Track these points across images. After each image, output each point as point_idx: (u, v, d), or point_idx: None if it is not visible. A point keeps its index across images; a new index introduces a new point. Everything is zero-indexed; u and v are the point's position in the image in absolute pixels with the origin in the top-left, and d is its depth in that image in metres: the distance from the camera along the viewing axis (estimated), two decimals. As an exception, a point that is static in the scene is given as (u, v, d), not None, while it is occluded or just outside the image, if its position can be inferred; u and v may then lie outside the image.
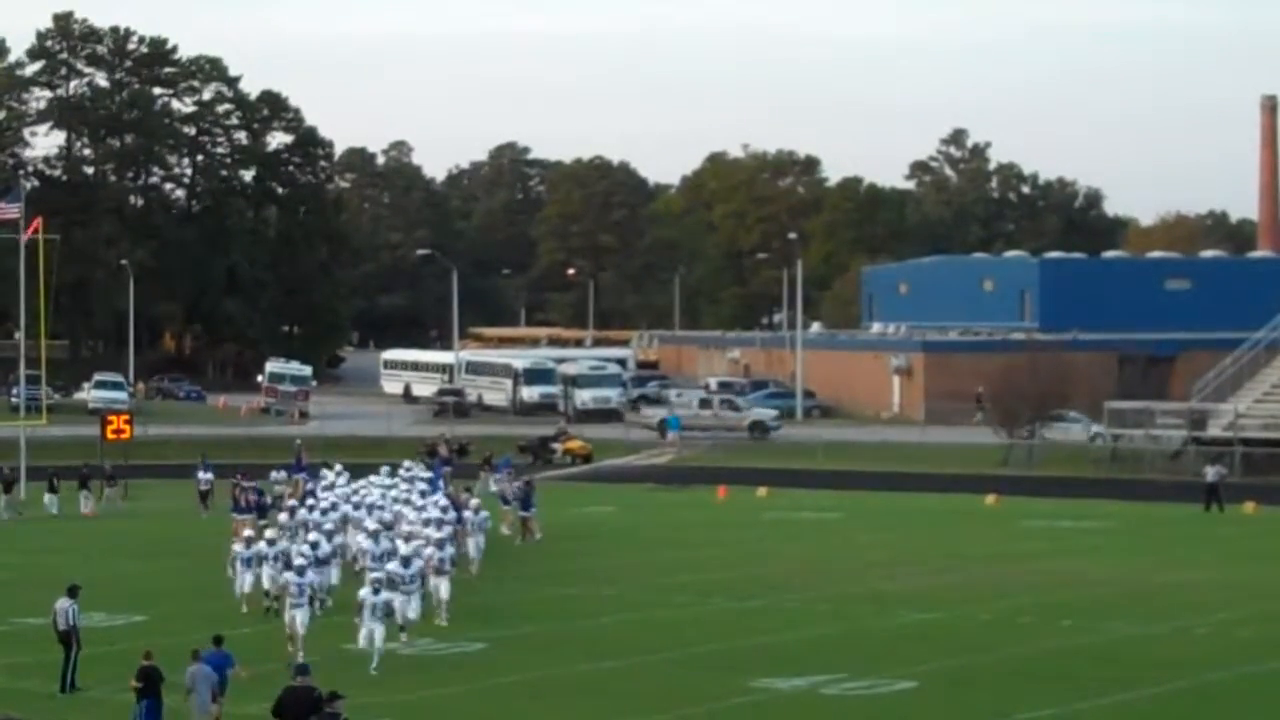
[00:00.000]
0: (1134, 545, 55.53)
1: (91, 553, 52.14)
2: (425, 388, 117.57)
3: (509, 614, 40.95)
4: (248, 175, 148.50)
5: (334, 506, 48.18)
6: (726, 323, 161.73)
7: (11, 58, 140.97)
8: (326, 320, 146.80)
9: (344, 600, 38.31)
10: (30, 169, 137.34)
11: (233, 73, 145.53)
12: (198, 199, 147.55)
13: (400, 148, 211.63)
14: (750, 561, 50.83)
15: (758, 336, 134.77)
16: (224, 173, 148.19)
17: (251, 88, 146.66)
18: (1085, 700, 31.84)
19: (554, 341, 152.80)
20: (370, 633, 33.77)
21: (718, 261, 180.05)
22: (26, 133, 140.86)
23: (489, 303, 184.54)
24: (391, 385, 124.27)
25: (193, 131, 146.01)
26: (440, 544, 40.39)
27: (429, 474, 58.54)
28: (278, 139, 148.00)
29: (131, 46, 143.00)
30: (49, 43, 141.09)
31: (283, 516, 46.95)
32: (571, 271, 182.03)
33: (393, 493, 51.53)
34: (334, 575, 41.72)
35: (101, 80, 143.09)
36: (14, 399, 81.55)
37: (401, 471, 56.63)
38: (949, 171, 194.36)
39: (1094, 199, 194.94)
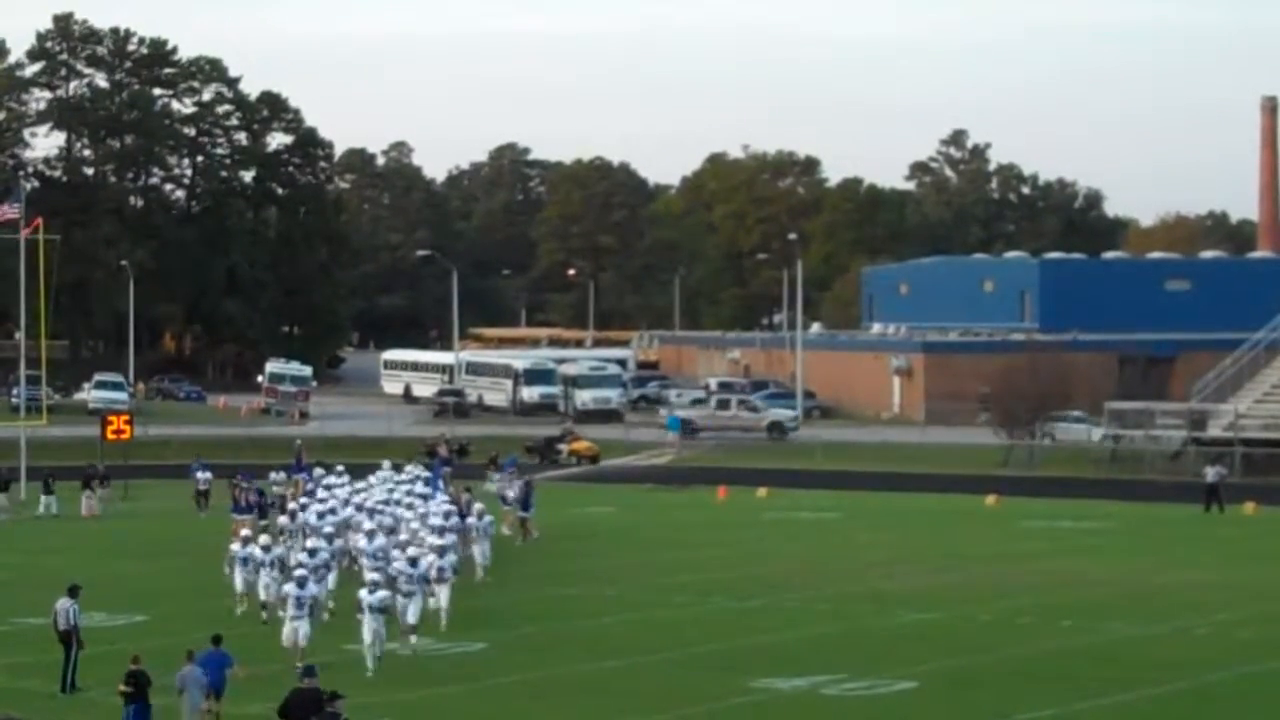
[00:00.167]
0: (1134, 546, 55.52)
1: (92, 553, 52.14)
2: (425, 388, 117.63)
3: (509, 614, 40.92)
4: (248, 176, 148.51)
5: (333, 510, 47.86)
6: (726, 323, 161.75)
7: (11, 59, 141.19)
8: (326, 321, 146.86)
9: (344, 602, 38.23)
10: (30, 170, 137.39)
11: (233, 73, 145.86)
12: (198, 200, 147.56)
13: (400, 148, 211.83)
14: (750, 561, 50.82)
15: (758, 337, 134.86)
16: (224, 173, 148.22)
17: (251, 88, 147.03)
18: (1085, 701, 31.83)
19: (554, 342, 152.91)
20: (372, 631, 33.45)
21: (718, 262, 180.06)
22: (26, 133, 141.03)
23: (489, 303, 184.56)
24: (392, 386, 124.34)
25: (193, 132, 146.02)
26: (441, 551, 39.64)
27: (428, 474, 58.45)
28: (278, 140, 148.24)
29: (131, 47, 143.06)
30: (49, 44, 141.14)
31: (282, 520, 46.85)
32: (572, 272, 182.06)
33: (395, 494, 51.25)
34: (331, 580, 41.00)
35: (101, 81, 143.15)
36: (14, 399, 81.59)
37: (403, 473, 56.45)
38: (949, 172, 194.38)
39: (1094, 200, 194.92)
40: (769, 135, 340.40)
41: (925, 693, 32.59)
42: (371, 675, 33.03)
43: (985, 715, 31.13)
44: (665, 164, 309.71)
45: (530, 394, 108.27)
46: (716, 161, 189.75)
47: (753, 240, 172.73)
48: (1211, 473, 65.30)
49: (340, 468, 57.38)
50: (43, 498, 63.17)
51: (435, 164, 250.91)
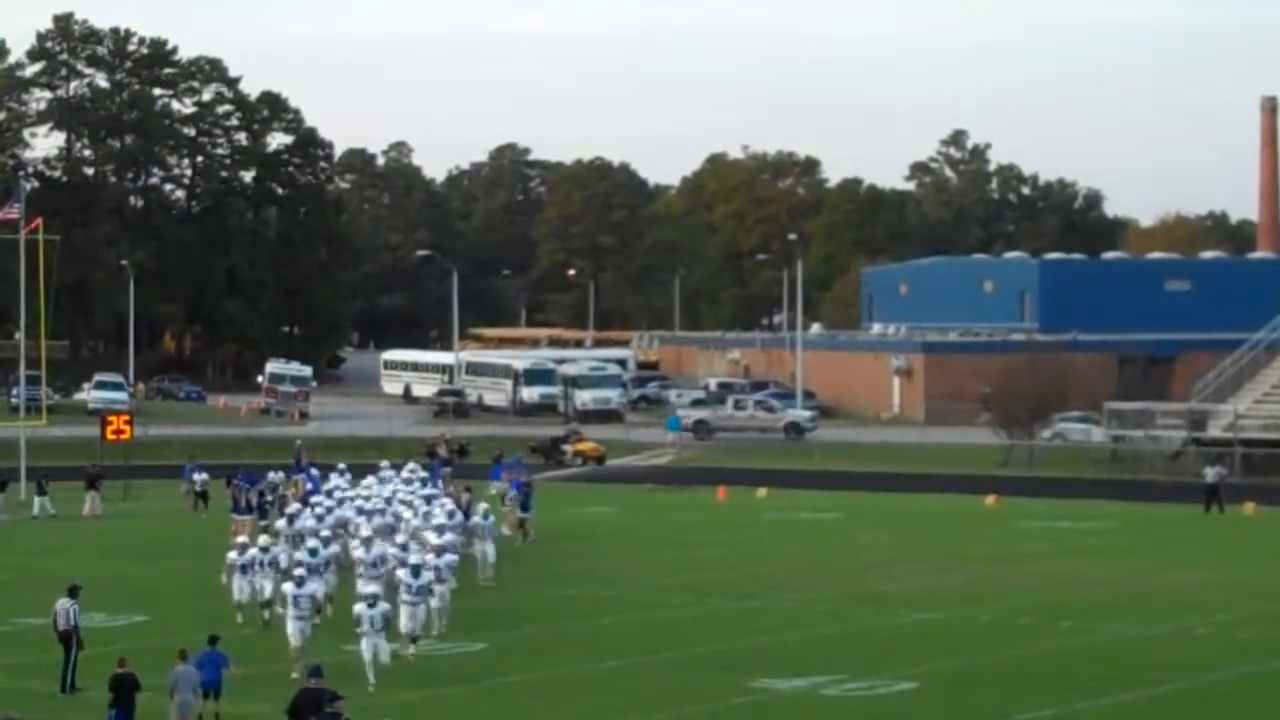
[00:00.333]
0: (1134, 546, 55.53)
1: (91, 553, 52.12)
2: (425, 388, 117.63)
3: (509, 614, 40.92)
4: (248, 176, 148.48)
5: (330, 511, 47.60)
6: (726, 324, 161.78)
7: (12, 59, 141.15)
8: (326, 321, 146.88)
9: (344, 603, 38.20)
10: (30, 170, 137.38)
11: (233, 73, 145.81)
12: (198, 200, 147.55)
13: (400, 148, 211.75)
14: (750, 562, 50.83)
15: (758, 337, 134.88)
16: (224, 173, 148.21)
17: (251, 88, 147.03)
18: (1085, 701, 31.85)
19: (554, 342, 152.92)
20: (374, 647, 32.81)
21: (718, 262, 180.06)
22: (26, 134, 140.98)
23: (489, 303, 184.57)
24: (392, 386, 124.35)
25: (193, 132, 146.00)
26: (439, 551, 39.35)
27: (426, 474, 58.33)
28: (278, 140, 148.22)
29: (131, 47, 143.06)
30: (49, 44, 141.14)
31: (280, 523, 46.72)
32: (572, 272, 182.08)
33: (398, 495, 51.13)
34: (331, 581, 40.76)
35: (101, 81, 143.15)
36: (14, 399, 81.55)
37: (405, 473, 56.31)
38: (949, 172, 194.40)
39: (1094, 200, 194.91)
40: (769, 135, 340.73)
41: (925, 693, 32.60)
42: (374, 690, 32.68)
43: (985, 715, 31.14)
44: (665, 164, 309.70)
45: (530, 394, 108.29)
46: (716, 162, 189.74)
47: (753, 240, 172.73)
48: (1211, 473, 65.32)
49: (342, 465, 57.33)
50: (36, 499, 63.12)
51: (435, 164, 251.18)
